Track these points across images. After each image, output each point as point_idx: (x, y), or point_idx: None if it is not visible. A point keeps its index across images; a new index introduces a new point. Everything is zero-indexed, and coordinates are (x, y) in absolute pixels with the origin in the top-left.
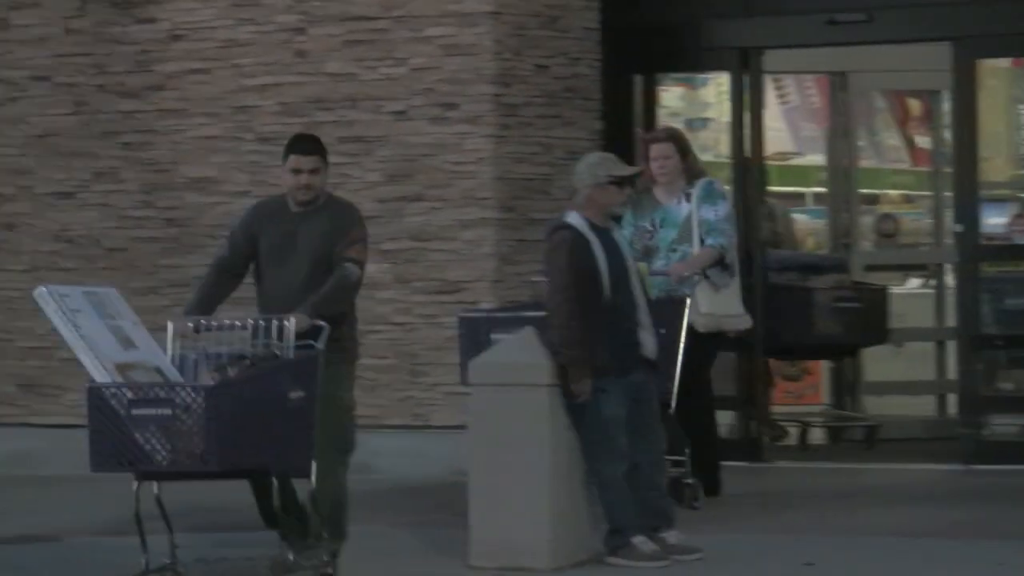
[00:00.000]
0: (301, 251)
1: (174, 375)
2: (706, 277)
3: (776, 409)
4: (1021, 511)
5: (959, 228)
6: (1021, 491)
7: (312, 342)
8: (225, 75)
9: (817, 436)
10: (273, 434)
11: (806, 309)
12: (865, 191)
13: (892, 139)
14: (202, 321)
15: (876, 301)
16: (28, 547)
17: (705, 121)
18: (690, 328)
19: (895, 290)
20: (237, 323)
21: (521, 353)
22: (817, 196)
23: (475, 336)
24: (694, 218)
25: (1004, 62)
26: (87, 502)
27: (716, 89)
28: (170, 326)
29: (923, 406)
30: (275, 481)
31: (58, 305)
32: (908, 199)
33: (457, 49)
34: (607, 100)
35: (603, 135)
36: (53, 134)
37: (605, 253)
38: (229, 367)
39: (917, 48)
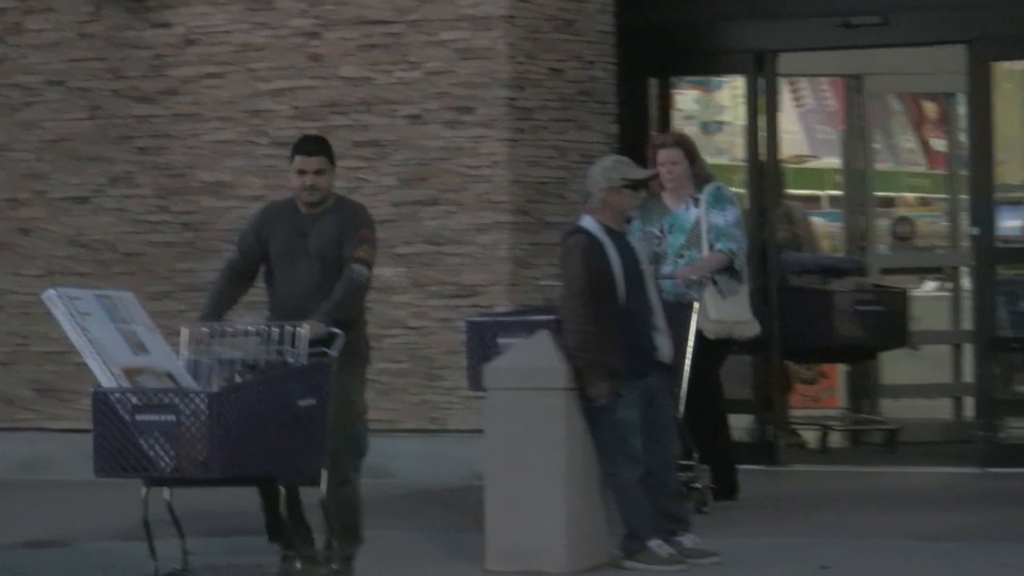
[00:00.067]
0: (311, 253)
1: (187, 381)
2: (714, 283)
3: (794, 413)
4: None
5: (975, 231)
6: None
7: (325, 349)
8: (240, 79)
9: (837, 440)
10: (281, 442)
11: (826, 312)
12: (881, 194)
13: (908, 142)
14: (216, 327)
15: (896, 304)
16: (39, 552)
17: (720, 124)
18: (699, 334)
19: (911, 293)
20: (251, 329)
21: (537, 357)
22: (833, 199)
23: (482, 340)
24: (703, 223)
25: (1020, 64)
26: (102, 507)
27: (731, 92)
28: (184, 331)
29: (939, 409)
30: (282, 489)
31: (67, 308)
32: (924, 202)
33: (471, 53)
34: (622, 103)
35: (618, 139)
36: (68, 139)
37: (620, 257)
38: (239, 374)
39: (932, 50)
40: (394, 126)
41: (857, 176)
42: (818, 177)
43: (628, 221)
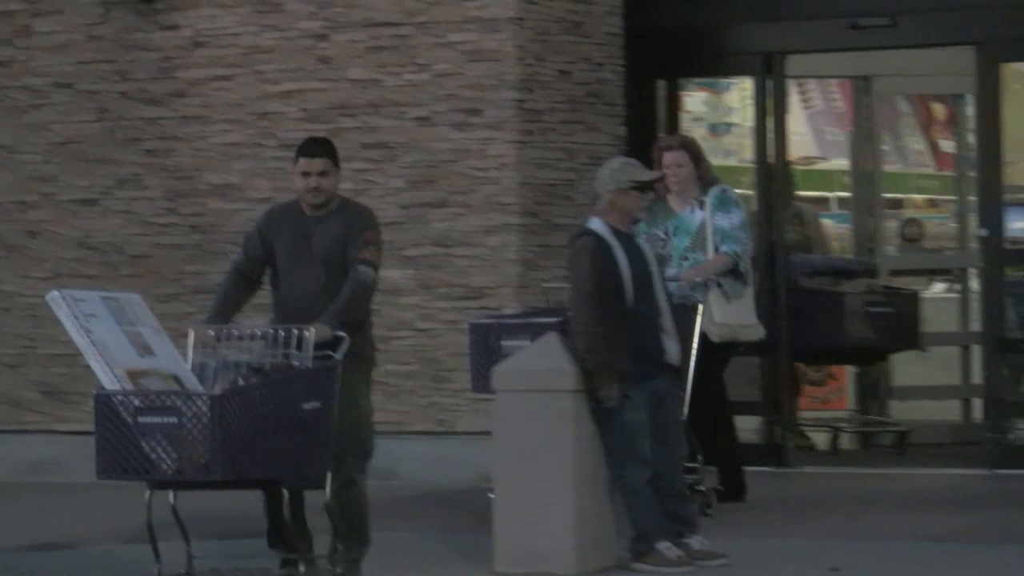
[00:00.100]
0: (316, 255)
1: (193, 383)
2: (719, 286)
3: (802, 414)
4: None
5: (983, 232)
6: None
7: (330, 352)
8: (248, 81)
9: (846, 441)
10: (284, 444)
11: (838, 314)
12: (889, 195)
13: (916, 143)
14: (223, 330)
15: (908, 306)
16: (43, 554)
17: (729, 126)
18: (703, 337)
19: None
20: (258, 332)
21: (545, 359)
22: (841, 200)
23: (485, 343)
24: (708, 226)
25: None
26: (107, 509)
27: (740, 94)
28: (191, 334)
29: (948, 411)
30: (285, 492)
31: (70, 309)
32: (932, 203)
33: (480, 55)
34: (630, 105)
35: (626, 140)
36: (76, 141)
37: (628, 259)
38: (242, 377)
39: (941, 52)
40: (402, 128)
41: (865, 178)
42: (827, 179)
43: (636, 223)
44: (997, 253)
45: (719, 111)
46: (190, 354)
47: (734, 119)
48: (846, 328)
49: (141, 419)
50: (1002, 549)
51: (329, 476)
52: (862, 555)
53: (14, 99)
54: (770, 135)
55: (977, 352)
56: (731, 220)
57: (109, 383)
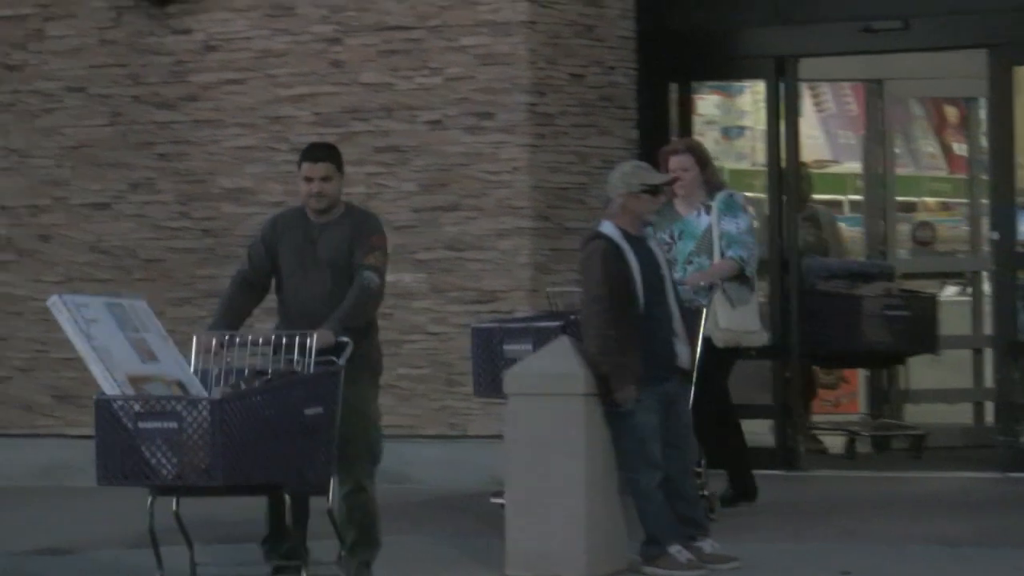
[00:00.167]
0: (322, 261)
1: (197, 389)
2: (723, 290)
3: (816, 418)
4: None
5: (995, 235)
6: None
7: (333, 358)
8: (260, 85)
9: (861, 445)
10: (286, 450)
11: (855, 317)
12: (902, 198)
13: (929, 146)
14: (227, 336)
15: (925, 309)
16: (50, 559)
17: (741, 129)
18: (707, 341)
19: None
20: (261, 338)
21: (557, 362)
22: (853, 204)
23: (488, 347)
24: (714, 230)
25: None
26: (116, 514)
27: (752, 97)
28: (195, 340)
29: (960, 414)
30: (287, 498)
31: (71, 314)
32: (945, 206)
33: (492, 59)
34: (643, 109)
35: (638, 144)
36: (88, 145)
37: (639, 262)
38: (244, 382)
39: (953, 55)
40: (415, 132)
41: (878, 181)
42: (839, 182)
43: (647, 226)
44: (1009, 256)
45: (732, 114)
46: (193, 360)
47: (746, 122)
48: (863, 331)
49: (141, 424)
50: (1014, 553)
51: (333, 482)
52: (874, 558)
53: (26, 103)
54: (782, 139)
55: (989, 355)
56: (738, 225)
57: (109, 388)
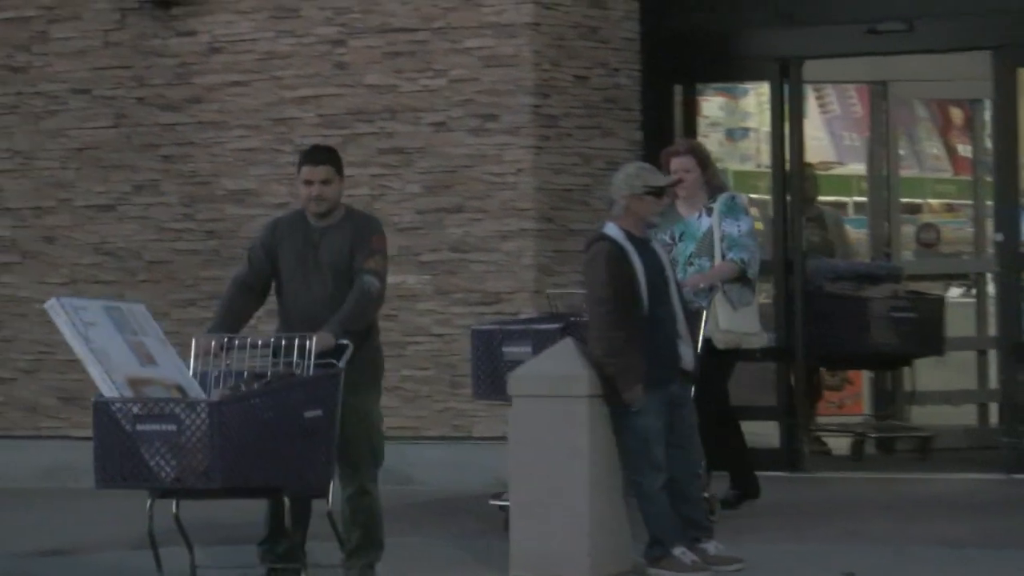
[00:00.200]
0: (323, 264)
1: (196, 392)
2: (724, 292)
3: (827, 420)
4: None
5: (999, 237)
6: None
7: (333, 360)
8: (265, 87)
9: (868, 446)
10: (285, 453)
11: (862, 319)
12: (906, 200)
13: (933, 148)
14: (226, 339)
15: (932, 311)
16: (51, 560)
17: (746, 131)
18: (707, 343)
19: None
20: (260, 341)
21: (561, 364)
22: (858, 205)
23: (488, 349)
24: (715, 232)
25: None
26: (121, 516)
27: (757, 99)
28: (194, 342)
29: (964, 415)
30: (287, 501)
31: (68, 317)
32: (949, 208)
33: (496, 60)
34: (647, 111)
35: (643, 145)
36: (93, 147)
37: (643, 264)
38: (244, 384)
39: (958, 57)
40: (419, 133)
41: (882, 182)
42: (844, 183)
43: (651, 228)
44: (1013, 258)
45: (736, 116)
46: (192, 363)
47: (751, 124)
48: (871, 333)
49: (140, 427)
50: (1018, 554)
51: (332, 485)
52: (877, 559)
53: (31, 105)
54: (787, 140)
55: (994, 357)
56: (739, 227)
57: (107, 390)
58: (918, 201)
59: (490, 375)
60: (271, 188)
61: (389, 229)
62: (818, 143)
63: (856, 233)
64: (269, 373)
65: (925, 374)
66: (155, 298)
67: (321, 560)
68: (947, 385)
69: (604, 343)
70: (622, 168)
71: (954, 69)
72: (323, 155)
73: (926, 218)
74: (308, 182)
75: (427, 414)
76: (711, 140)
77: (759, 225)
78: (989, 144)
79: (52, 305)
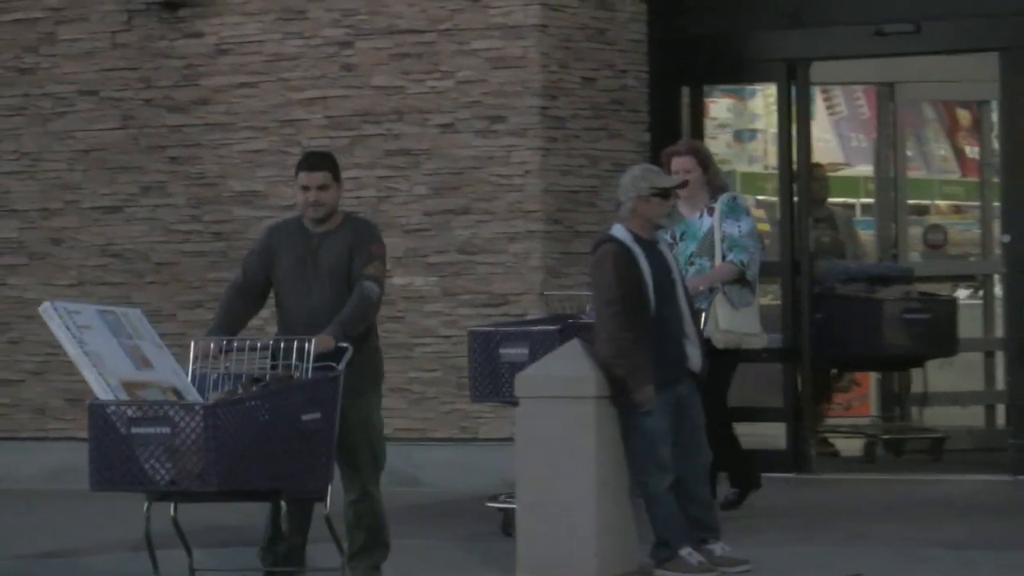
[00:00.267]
0: (322, 272)
1: (193, 396)
2: (724, 293)
3: (833, 421)
4: None
5: (1007, 238)
6: None
7: (332, 364)
8: (272, 89)
9: (868, 447)
10: (283, 456)
11: (875, 320)
12: (913, 202)
13: (941, 149)
14: (225, 341)
15: (945, 313)
16: (53, 561)
17: (754, 132)
18: (707, 343)
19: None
20: (260, 343)
21: (568, 366)
22: (865, 206)
23: (486, 350)
24: (716, 233)
25: None
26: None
27: (764, 100)
28: (193, 345)
29: (971, 417)
30: (283, 504)
31: (62, 320)
32: (957, 209)
33: (504, 62)
34: (654, 112)
35: (650, 147)
36: (100, 148)
37: (650, 265)
38: (242, 387)
39: (965, 58)
40: (426, 135)
41: (889, 184)
42: (851, 185)
43: (658, 229)
44: (1021, 259)
45: (744, 117)
46: (190, 366)
47: (758, 125)
48: (883, 335)
49: (135, 429)
50: (1021, 556)
51: (330, 488)
52: (883, 561)
53: (38, 107)
54: (794, 142)
55: (1000, 358)
56: (740, 228)
57: (102, 393)
58: (925, 202)
59: (488, 377)
60: (278, 190)
61: (396, 231)
62: (825, 144)
63: (863, 234)
64: (268, 376)
65: (933, 376)
66: (162, 300)
67: (320, 563)
68: (954, 387)
69: (613, 344)
70: (629, 170)
71: (961, 70)
72: (320, 161)
73: (933, 219)
74: (305, 188)
75: (434, 415)
76: (719, 142)
77: (766, 227)
78: (996, 145)
79: (46, 309)
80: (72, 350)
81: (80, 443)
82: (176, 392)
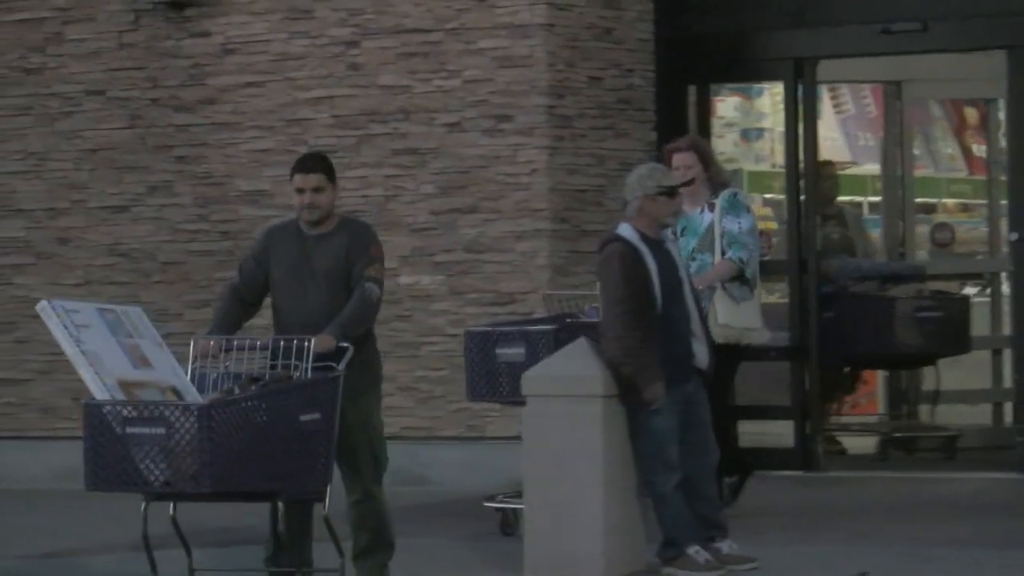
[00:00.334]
0: (317, 274)
1: (193, 395)
2: (724, 288)
3: (842, 420)
4: None
5: (1014, 236)
6: None
7: (332, 364)
8: (278, 88)
9: (876, 445)
10: (281, 457)
11: (887, 319)
12: (921, 200)
13: (948, 148)
14: (225, 340)
15: (957, 311)
16: (55, 562)
17: (760, 131)
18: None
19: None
20: (260, 343)
21: (576, 364)
22: (873, 205)
23: (483, 350)
24: (716, 228)
25: None
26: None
27: (771, 99)
28: (192, 344)
29: (980, 415)
30: (280, 505)
31: (60, 319)
32: (964, 208)
33: (510, 61)
34: (661, 111)
35: (657, 146)
36: (107, 148)
37: (657, 264)
38: (239, 387)
39: (972, 57)
40: (433, 134)
41: (897, 182)
42: (858, 183)
43: (665, 228)
44: None
45: (751, 116)
46: (188, 365)
47: (765, 124)
48: (895, 333)
49: (130, 429)
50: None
51: (329, 489)
52: (890, 560)
53: (45, 106)
54: (801, 140)
55: (1008, 356)
56: (740, 224)
57: (99, 393)
58: (933, 201)
59: (485, 377)
60: (285, 189)
61: (403, 230)
62: (832, 143)
63: (871, 233)
64: (267, 375)
65: (940, 374)
66: (169, 299)
67: (320, 563)
68: (962, 385)
69: (620, 344)
70: (635, 169)
71: (968, 69)
72: (314, 163)
73: (941, 218)
74: (300, 190)
75: (441, 414)
76: (725, 140)
77: (773, 225)
78: (1004, 144)
79: (43, 307)
80: (69, 349)
81: None
82: (175, 392)
